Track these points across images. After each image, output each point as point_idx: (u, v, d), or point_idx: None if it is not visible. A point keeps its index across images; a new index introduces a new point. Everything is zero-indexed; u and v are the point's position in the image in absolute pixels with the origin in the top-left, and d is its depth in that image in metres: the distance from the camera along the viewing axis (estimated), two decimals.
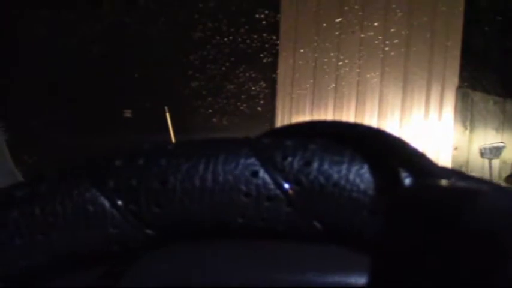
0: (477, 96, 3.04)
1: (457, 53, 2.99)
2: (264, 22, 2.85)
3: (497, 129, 3.02)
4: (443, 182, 0.18)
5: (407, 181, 0.19)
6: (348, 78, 3.06)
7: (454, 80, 3.04)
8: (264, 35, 2.86)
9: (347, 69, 3.05)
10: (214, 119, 2.91)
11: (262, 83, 2.92)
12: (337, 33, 2.99)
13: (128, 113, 2.80)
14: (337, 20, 2.98)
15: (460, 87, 3.03)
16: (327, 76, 3.04)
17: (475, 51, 2.95)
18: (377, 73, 3.10)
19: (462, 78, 3.01)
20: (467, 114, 3.05)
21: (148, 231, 0.20)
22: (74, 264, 0.21)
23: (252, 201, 0.20)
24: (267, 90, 2.93)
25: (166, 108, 2.69)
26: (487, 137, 3.02)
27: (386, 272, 0.17)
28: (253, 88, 2.90)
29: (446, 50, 3.01)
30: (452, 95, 3.05)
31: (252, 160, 0.20)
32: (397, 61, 3.08)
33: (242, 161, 0.20)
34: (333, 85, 3.06)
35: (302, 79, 2.99)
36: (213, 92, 2.88)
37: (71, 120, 2.70)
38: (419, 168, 0.19)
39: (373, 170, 0.20)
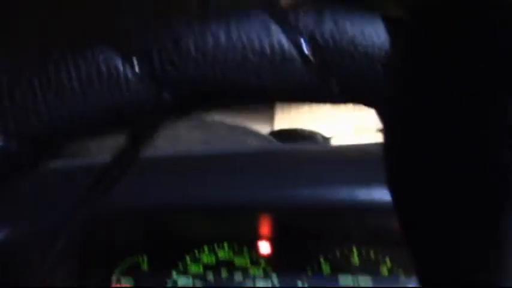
0: None
1: None
2: None
3: None
4: None
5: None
6: None
7: None
8: None
9: None
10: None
11: None
12: None
13: None
14: None
15: None
16: None
17: None
18: None
19: None
20: None
21: (164, 94, 0.20)
22: (88, 131, 0.21)
23: (265, 60, 0.20)
24: None
25: None
26: None
27: (405, 123, 0.16)
28: None
29: None
30: None
31: (265, 17, 0.20)
32: None
33: (255, 18, 0.20)
34: None
35: None
36: None
37: None
38: None
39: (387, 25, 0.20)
